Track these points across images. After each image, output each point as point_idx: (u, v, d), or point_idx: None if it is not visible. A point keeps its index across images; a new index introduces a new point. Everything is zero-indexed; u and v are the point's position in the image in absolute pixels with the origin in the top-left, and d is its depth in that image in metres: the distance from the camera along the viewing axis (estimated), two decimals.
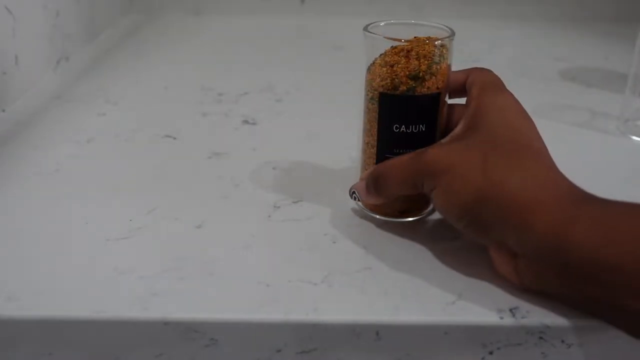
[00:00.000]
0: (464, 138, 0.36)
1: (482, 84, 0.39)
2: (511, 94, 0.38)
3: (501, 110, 0.37)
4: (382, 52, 0.38)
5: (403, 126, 0.39)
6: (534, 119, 0.37)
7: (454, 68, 0.40)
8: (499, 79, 0.40)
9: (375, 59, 0.39)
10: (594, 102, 0.65)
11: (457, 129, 0.38)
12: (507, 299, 0.34)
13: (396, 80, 0.38)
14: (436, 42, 0.38)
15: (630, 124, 0.57)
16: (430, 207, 0.42)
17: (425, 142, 0.39)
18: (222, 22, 0.95)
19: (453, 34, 0.39)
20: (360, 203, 0.43)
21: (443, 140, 0.38)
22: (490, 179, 0.33)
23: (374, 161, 0.41)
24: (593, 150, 0.54)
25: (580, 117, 0.61)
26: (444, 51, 0.38)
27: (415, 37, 0.39)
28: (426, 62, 0.38)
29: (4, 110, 0.58)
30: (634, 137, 0.56)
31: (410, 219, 0.42)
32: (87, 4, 0.79)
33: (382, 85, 0.38)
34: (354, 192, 0.41)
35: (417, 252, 0.39)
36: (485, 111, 0.37)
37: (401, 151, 0.39)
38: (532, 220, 0.32)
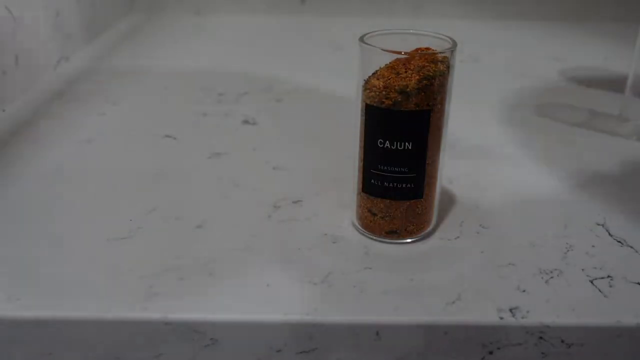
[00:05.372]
0: None
1: None
2: None
3: None
4: (378, 63, 0.36)
5: (387, 142, 0.36)
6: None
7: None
8: None
9: (374, 72, 0.37)
10: (594, 102, 0.65)
11: None
12: (507, 299, 0.34)
13: (383, 93, 0.36)
14: (433, 56, 0.36)
15: (630, 124, 0.57)
16: (431, 227, 0.40)
17: (412, 162, 0.37)
18: (222, 22, 0.95)
19: (455, 45, 0.36)
20: (356, 223, 0.41)
21: None
22: None
23: (362, 175, 0.38)
24: (593, 150, 0.54)
25: (580, 117, 0.61)
26: (441, 67, 0.36)
27: (415, 50, 0.37)
28: (416, 77, 0.35)
29: (4, 110, 0.58)
30: (634, 137, 0.56)
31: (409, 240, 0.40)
32: (87, 4, 0.79)
33: (370, 97, 0.36)
34: None
35: (417, 252, 0.39)
36: None
37: (385, 168, 0.37)
38: None
